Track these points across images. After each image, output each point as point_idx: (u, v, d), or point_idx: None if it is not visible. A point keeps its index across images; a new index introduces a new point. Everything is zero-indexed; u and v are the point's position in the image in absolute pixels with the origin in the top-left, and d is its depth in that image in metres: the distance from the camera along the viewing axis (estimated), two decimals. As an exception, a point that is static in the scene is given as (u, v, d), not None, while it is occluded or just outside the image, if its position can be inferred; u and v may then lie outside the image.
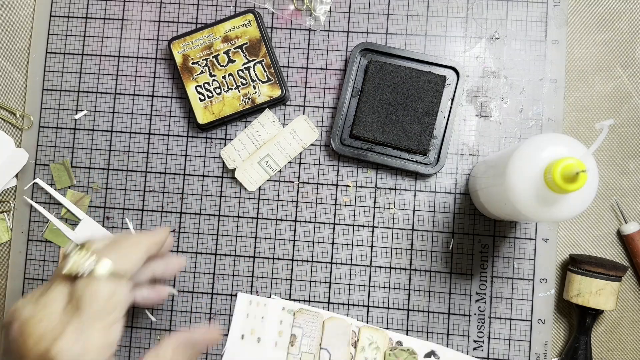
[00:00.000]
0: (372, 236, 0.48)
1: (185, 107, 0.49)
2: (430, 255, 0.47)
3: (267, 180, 0.48)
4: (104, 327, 0.32)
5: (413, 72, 0.46)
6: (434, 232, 0.47)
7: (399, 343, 0.45)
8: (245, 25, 0.48)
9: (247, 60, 0.48)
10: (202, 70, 0.47)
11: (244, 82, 0.47)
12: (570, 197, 0.34)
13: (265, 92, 0.47)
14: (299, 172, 0.48)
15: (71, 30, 0.50)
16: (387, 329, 0.47)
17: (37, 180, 0.49)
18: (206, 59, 0.48)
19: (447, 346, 0.46)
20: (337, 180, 0.48)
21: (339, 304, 0.47)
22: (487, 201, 0.42)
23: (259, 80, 0.47)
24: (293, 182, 0.48)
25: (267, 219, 0.48)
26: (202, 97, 0.47)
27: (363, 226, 0.48)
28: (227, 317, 0.47)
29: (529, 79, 0.48)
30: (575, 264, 0.45)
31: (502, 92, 0.48)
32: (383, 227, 0.48)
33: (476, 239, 0.47)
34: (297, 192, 0.48)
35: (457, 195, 0.48)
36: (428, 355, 0.45)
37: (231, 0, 0.50)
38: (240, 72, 0.48)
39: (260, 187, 0.48)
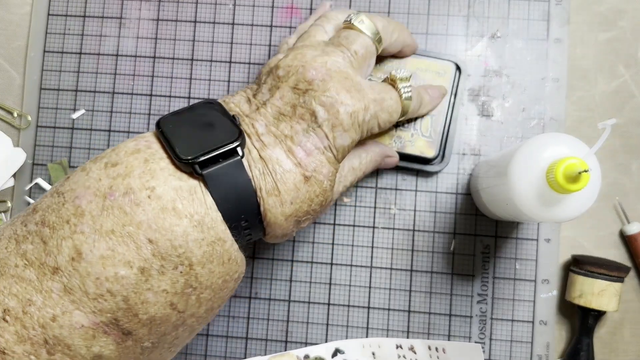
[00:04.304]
0: (373, 237, 0.47)
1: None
2: (432, 256, 0.47)
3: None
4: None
5: (414, 71, 0.46)
6: (435, 232, 0.47)
7: (307, 357, 0.45)
8: None
9: None
10: None
11: None
12: (573, 197, 0.33)
13: None
14: (299, 172, 0.48)
15: (69, 29, 0.50)
16: (387, 330, 0.46)
17: (39, 180, 0.48)
18: None
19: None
20: (337, 180, 0.48)
21: (339, 305, 0.47)
22: (488, 201, 0.42)
23: None
24: (293, 182, 0.48)
25: (266, 219, 0.48)
26: None
27: (363, 227, 0.47)
28: (226, 317, 0.47)
29: (531, 78, 0.47)
30: (577, 265, 0.45)
31: (503, 91, 0.48)
32: (384, 228, 0.47)
33: (478, 239, 0.47)
34: (297, 192, 0.48)
35: (458, 196, 0.47)
36: (334, 354, 0.45)
37: (230, -2, 0.49)
38: None
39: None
